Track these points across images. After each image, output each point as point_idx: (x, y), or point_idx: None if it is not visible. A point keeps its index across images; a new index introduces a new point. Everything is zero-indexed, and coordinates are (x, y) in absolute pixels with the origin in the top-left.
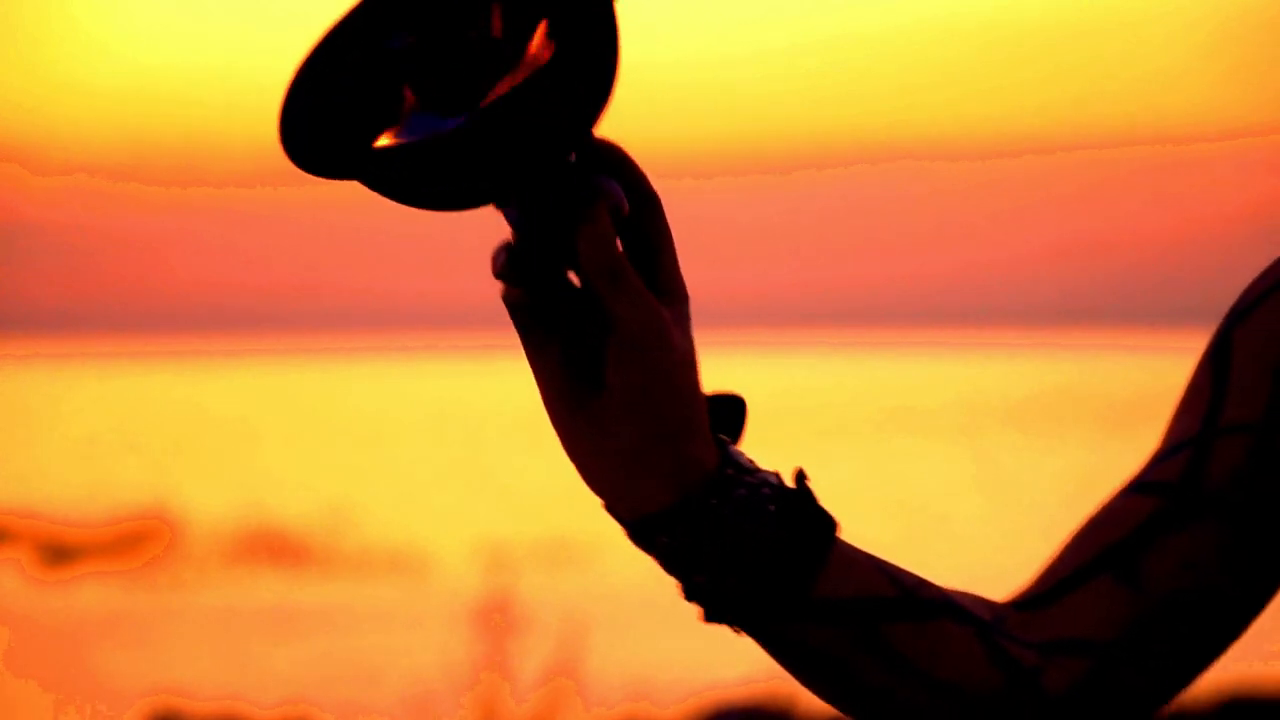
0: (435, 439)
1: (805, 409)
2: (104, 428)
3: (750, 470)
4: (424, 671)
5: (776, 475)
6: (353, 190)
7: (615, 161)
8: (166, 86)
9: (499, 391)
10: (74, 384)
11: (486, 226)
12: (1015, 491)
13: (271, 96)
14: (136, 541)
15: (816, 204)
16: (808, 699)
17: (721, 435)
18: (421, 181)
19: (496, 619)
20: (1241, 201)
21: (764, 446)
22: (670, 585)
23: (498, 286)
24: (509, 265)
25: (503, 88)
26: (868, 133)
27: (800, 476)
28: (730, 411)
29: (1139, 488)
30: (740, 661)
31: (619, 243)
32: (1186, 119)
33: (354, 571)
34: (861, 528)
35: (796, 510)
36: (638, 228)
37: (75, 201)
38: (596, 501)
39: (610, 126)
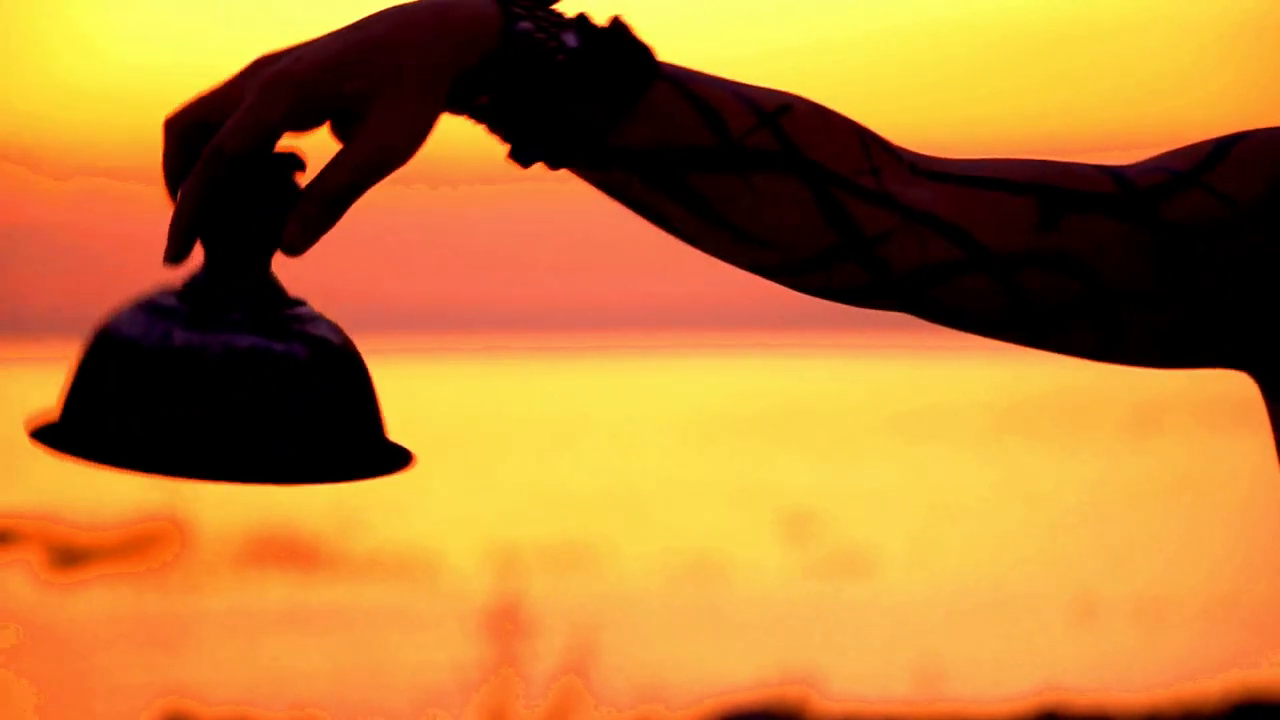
0: (446, 441)
1: (810, 411)
2: None
3: (552, 24)
4: (435, 674)
5: (582, 22)
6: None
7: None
8: (172, 89)
9: (510, 394)
10: None
11: (492, 231)
12: (1031, 493)
13: None
14: (147, 544)
15: None
16: (818, 703)
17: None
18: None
19: (508, 622)
20: None
21: (772, 449)
22: (681, 589)
23: (505, 290)
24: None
25: None
26: None
27: (617, 24)
28: None
29: (1110, 171)
30: (751, 664)
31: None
32: (1195, 121)
33: (365, 574)
34: (875, 531)
35: (590, 66)
36: None
37: (84, 204)
38: (607, 505)
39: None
